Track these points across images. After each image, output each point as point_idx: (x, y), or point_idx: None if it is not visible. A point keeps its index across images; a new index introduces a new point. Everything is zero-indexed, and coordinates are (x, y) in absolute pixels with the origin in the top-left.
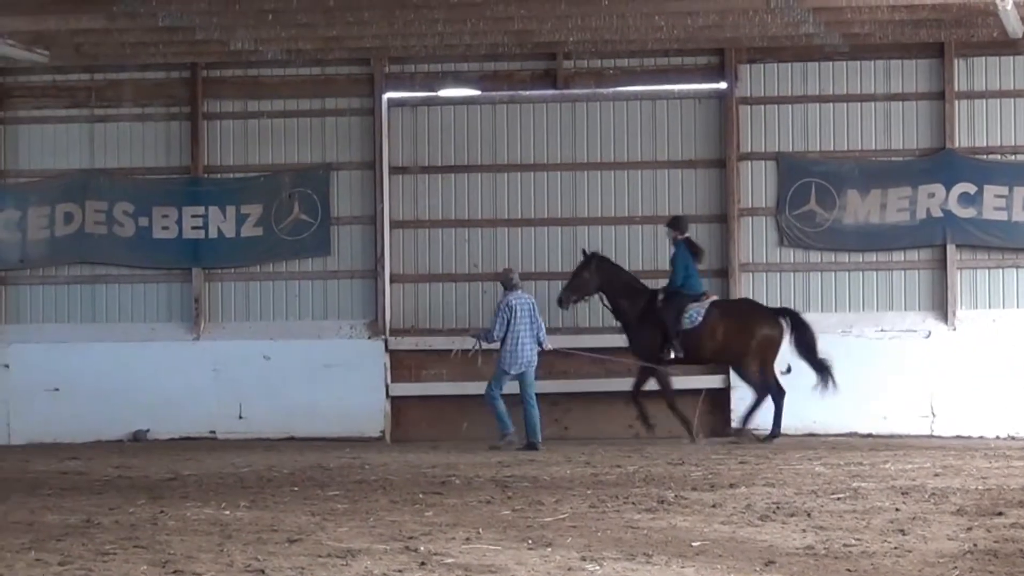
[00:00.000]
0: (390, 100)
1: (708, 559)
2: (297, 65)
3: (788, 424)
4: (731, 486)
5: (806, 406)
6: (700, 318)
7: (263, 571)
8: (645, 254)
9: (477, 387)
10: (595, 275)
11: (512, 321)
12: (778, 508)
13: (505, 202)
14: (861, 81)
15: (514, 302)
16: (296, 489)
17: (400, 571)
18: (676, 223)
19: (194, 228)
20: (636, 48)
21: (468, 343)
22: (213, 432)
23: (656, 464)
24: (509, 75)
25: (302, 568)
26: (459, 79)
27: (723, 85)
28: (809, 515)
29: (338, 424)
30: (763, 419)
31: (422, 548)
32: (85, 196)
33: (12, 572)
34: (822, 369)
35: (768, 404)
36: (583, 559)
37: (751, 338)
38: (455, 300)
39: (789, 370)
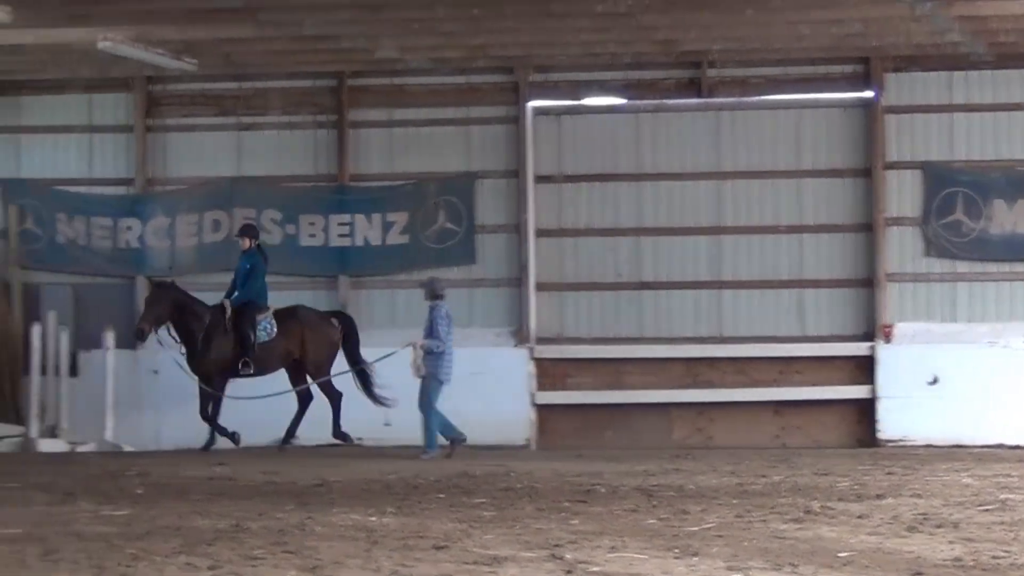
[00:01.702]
0: (535, 109)
1: (855, 570)
2: (442, 74)
3: (935, 436)
4: (878, 497)
5: (953, 418)
6: (274, 329)
7: None
8: (790, 264)
9: (622, 396)
10: (168, 302)
11: (449, 332)
12: (925, 519)
13: (648, 211)
14: (1007, 90)
15: (448, 312)
16: (442, 496)
17: None
18: (248, 230)
19: (341, 236)
20: (781, 56)
21: (404, 354)
22: (360, 439)
23: (802, 474)
24: (653, 84)
25: (448, 575)
26: (604, 88)
27: (868, 94)
28: (956, 527)
29: (484, 432)
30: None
31: (568, 556)
32: (233, 204)
33: (162, 575)
34: (363, 376)
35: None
36: (729, 569)
37: (325, 343)
38: (599, 309)
39: (936, 381)
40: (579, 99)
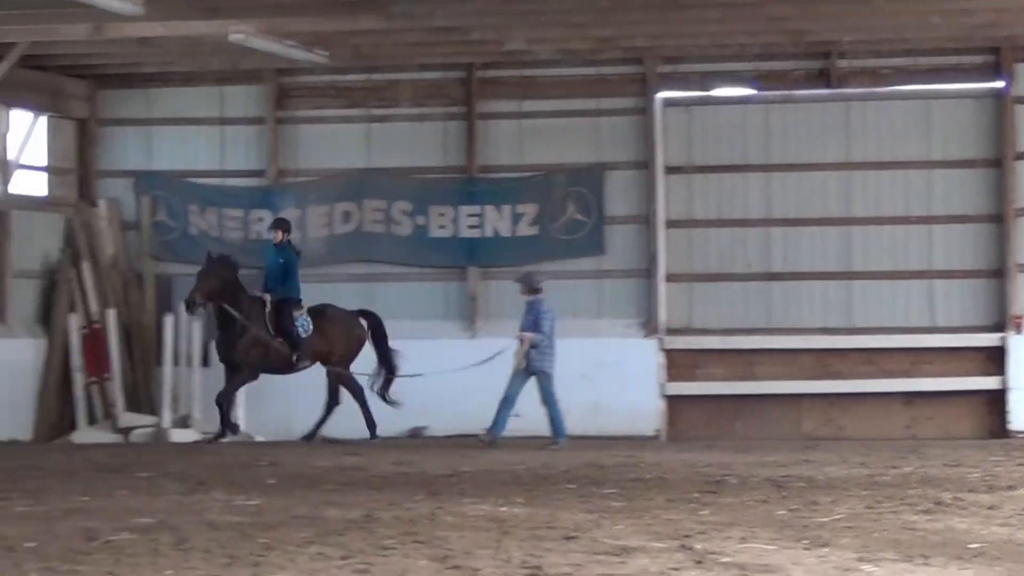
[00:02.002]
0: (664, 100)
1: (986, 561)
2: (571, 65)
3: None
4: (1009, 488)
5: None
6: (310, 326)
7: (540, 567)
8: (920, 254)
9: (752, 387)
10: (220, 279)
11: (552, 326)
12: None
13: (778, 202)
14: None
15: (549, 306)
16: (572, 486)
17: (676, 569)
18: (281, 224)
19: (470, 227)
20: (910, 47)
21: (497, 349)
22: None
23: (932, 465)
24: (783, 74)
25: (579, 565)
26: (733, 78)
27: (998, 84)
28: None
29: (613, 423)
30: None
31: (698, 547)
32: (363, 195)
33: (295, 565)
34: (390, 371)
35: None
36: (859, 560)
37: (355, 342)
38: (728, 300)
39: None
40: (708, 90)
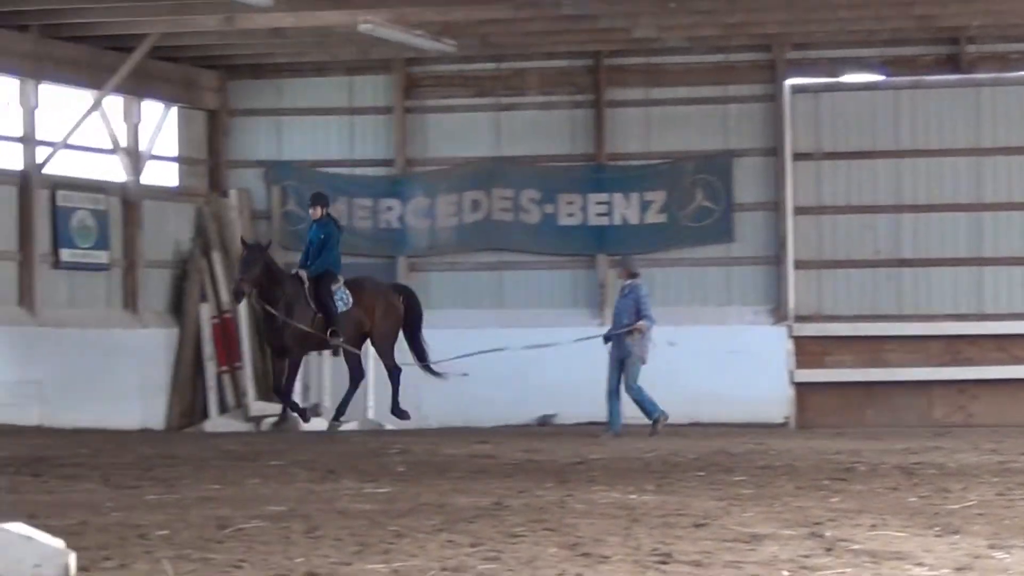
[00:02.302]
0: (792, 86)
1: None
2: (699, 53)
3: None
4: None
5: None
6: (349, 299)
7: (670, 555)
8: None
9: (882, 374)
10: (263, 265)
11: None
12: None
13: (907, 188)
14: None
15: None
16: (701, 474)
17: (806, 556)
18: (319, 199)
19: (599, 215)
20: None
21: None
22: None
23: None
24: (912, 60)
25: (708, 552)
26: (861, 64)
27: None
28: None
29: (742, 410)
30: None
31: (828, 534)
32: (492, 184)
33: (425, 553)
34: (421, 352)
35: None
36: (991, 547)
37: (393, 316)
38: (858, 286)
39: None
40: (836, 76)
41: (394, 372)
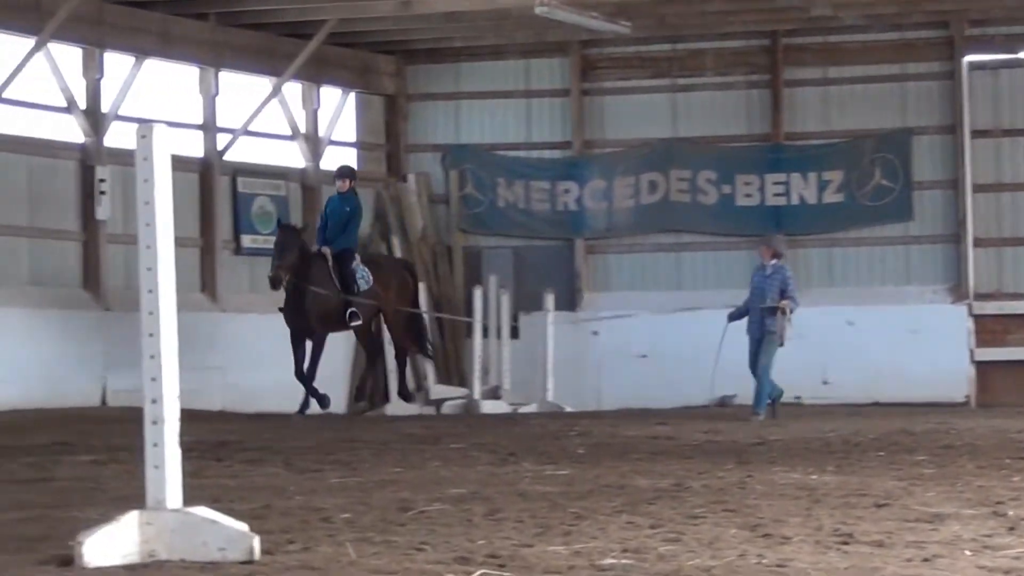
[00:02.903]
0: (970, 63)
1: None
2: (876, 31)
3: None
4: None
5: None
6: (370, 276)
7: (851, 535)
8: None
9: None
10: (298, 248)
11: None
12: None
13: None
14: None
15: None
16: (882, 454)
17: (988, 536)
18: (346, 171)
19: (776, 195)
20: None
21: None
22: (798, 397)
23: None
24: None
25: (890, 532)
26: None
27: None
28: None
29: (922, 389)
30: None
31: (1010, 513)
32: (669, 165)
33: (605, 534)
34: (420, 328)
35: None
36: None
37: (408, 292)
38: None
39: None
40: (1015, 53)
41: (402, 353)
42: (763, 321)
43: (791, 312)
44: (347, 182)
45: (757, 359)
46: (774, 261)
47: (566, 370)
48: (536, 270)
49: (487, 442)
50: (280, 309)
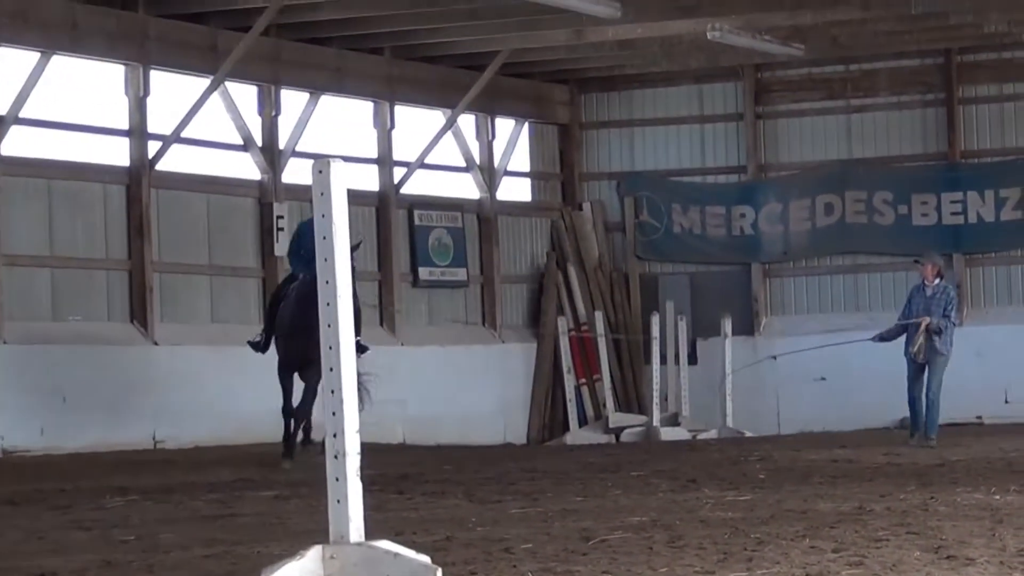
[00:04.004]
0: None
1: None
2: None
3: None
4: None
5: None
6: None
7: None
8: None
9: None
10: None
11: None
12: None
13: None
14: None
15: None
16: None
17: None
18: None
19: (953, 214)
20: None
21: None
22: (979, 417)
23: None
24: None
25: None
26: None
27: None
28: None
29: None
30: None
31: None
32: (845, 186)
33: (788, 560)
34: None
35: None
36: None
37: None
38: None
39: None
40: None
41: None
42: (928, 344)
43: (946, 331)
44: None
45: (917, 382)
46: (937, 280)
47: (745, 394)
48: (713, 295)
49: (667, 469)
50: (254, 342)
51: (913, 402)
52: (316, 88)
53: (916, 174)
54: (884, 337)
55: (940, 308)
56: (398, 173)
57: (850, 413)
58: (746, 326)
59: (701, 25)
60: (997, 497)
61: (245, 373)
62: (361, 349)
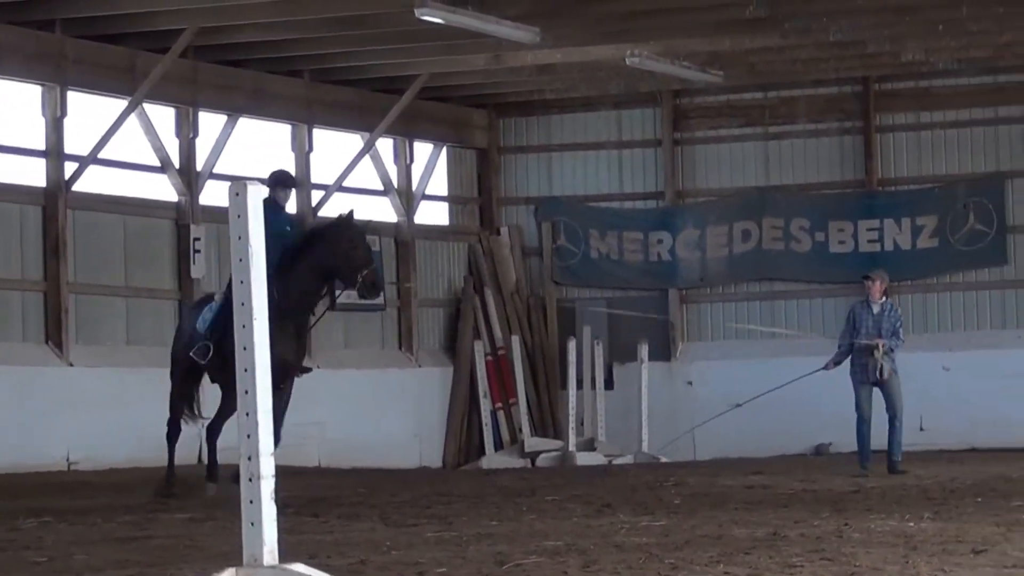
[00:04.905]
0: None
1: None
2: (968, 75)
3: None
4: None
5: None
6: None
7: None
8: None
9: None
10: None
11: None
12: None
13: None
14: None
15: None
16: (980, 500)
17: None
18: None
19: (870, 241)
20: None
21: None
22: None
23: None
24: None
25: None
26: None
27: None
28: None
29: (1020, 434)
30: None
31: None
32: (762, 213)
33: None
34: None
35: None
36: None
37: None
38: None
39: None
40: None
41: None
42: (882, 363)
43: (897, 350)
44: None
45: (868, 404)
46: (884, 298)
47: (661, 420)
48: (630, 321)
49: (582, 494)
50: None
51: (864, 427)
52: (234, 110)
53: (833, 201)
54: (838, 362)
55: (891, 326)
56: (316, 196)
57: (766, 439)
58: (663, 352)
59: (620, 51)
60: (911, 524)
61: (161, 395)
62: (305, 370)
